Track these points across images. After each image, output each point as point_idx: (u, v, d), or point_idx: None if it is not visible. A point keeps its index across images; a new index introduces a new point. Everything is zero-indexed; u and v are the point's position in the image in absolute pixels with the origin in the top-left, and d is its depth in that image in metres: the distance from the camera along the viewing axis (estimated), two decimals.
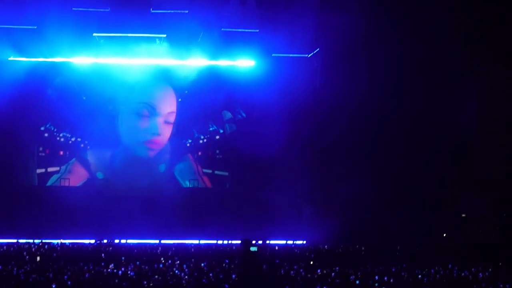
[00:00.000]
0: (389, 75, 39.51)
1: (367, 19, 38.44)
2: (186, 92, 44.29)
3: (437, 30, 39.12)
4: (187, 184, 44.29)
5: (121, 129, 44.26)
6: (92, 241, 37.19)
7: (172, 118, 44.25)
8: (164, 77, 44.24)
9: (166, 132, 44.29)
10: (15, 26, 40.40)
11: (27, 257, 30.81)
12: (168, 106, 44.42)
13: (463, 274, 25.99)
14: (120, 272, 25.51)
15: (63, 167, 43.53)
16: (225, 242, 39.61)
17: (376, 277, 24.29)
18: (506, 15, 37.78)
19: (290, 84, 42.68)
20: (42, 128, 43.28)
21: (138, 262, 28.91)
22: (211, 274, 25.18)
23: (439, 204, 40.15)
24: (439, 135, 40.70)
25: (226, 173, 44.77)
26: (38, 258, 29.37)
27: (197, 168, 44.55)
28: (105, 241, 36.58)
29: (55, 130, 43.32)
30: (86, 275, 24.30)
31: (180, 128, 44.36)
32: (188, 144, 44.40)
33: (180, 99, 44.35)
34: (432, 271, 26.91)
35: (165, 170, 44.43)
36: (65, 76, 43.31)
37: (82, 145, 43.70)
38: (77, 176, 43.68)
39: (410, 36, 39.34)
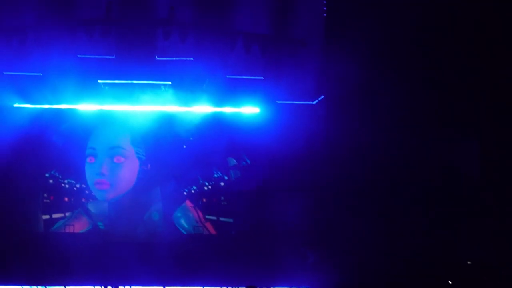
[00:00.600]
0: (394, 122, 39.59)
1: (371, 63, 38.60)
2: (191, 138, 44.29)
3: (442, 79, 39.23)
4: (189, 231, 44.05)
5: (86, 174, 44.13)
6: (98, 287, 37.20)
7: (120, 157, 43.76)
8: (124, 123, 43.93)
9: (116, 172, 43.71)
10: (20, 73, 40.61)
11: None
12: (111, 143, 44.14)
13: None
14: None
15: (68, 214, 43.45)
16: None
17: None
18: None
19: (294, 131, 42.63)
20: (47, 175, 43.16)
21: None
22: None
23: (443, 252, 39.90)
24: (443, 183, 40.57)
25: (231, 220, 44.54)
26: None
27: (198, 215, 44.36)
28: (109, 287, 36.54)
29: (60, 176, 43.18)
30: None
31: (176, 174, 43.97)
32: (185, 192, 43.95)
33: (184, 146, 44.24)
34: None
35: (160, 219, 43.98)
36: (70, 123, 43.29)
37: (87, 192, 43.58)
38: (81, 224, 43.39)
39: (414, 84, 39.44)
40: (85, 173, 43.65)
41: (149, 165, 44.17)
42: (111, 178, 43.86)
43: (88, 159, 43.76)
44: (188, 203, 44.56)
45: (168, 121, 43.71)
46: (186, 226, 44.12)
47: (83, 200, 43.57)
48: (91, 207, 43.78)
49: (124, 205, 43.83)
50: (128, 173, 44.27)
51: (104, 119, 44.04)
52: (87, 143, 43.97)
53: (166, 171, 44.10)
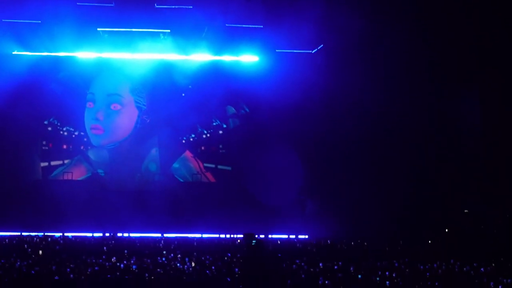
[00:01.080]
0: (392, 72, 39.52)
1: (371, 15, 38.36)
2: (190, 87, 44.34)
3: (442, 31, 39.08)
4: (188, 180, 44.40)
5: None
6: (96, 234, 37.45)
7: (117, 104, 44.56)
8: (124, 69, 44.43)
9: (112, 119, 44.54)
10: (20, 21, 40.52)
11: (29, 249, 30.87)
12: (110, 90, 44.87)
13: (465, 269, 26.01)
14: (122, 265, 25.58)
15: (67, 162, 43.78)
16: (228, 236, 39.71)
17: (379, 272, 24.35)
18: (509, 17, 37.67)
19: (293, 80, 42.60)
20: (46, 122, 43.46)
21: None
22: (213, 268, 25.25)
23: (442, 200, 40.14)
24: (443, 132, 40.71)
25: (229, 168, 44.84)
26: (40, 252, 29.38)
27: (198, 165, 44.59)
28: (107, 234, 36.75)
29: (59, 124, 43.55)
30: (89, 268, 24.37)
31: (174, 123, 44.12)
32: (184, 140, 44.60)
33: (183, 94, 44.41)
34: (435, 265, 26.93)
35: (158, 169, 44.67)
36: (68, 71, 43.51)
37: (85, 139, 43.99)
38: (80, 171, 43.85)
39: (414, 34, 39.29)
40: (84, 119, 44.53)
41: (148, 117, 44.72)
42: (106, 124, 44.39)
43: (87, 104, 44.24)
44: (187, 154, 44.96)
45: (167, 69, 43.78)
46: (185, 176, 44.36)
47: (82, 147, 43.93)
48: (91, 154, 44.30)
49: (122, 154, 44.33)
50: (124, 120, 44.69)
51: (104, 66, 44.37)
52: (88, 89, 44.43)
53: (165, 120, 44.47)
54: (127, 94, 44.39)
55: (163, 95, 44.41)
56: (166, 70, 43.81)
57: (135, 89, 44.42)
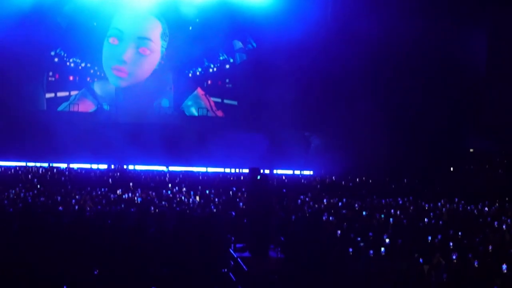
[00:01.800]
0: (399, 9, 39.12)
1: None
2: (197, 20, 43.90)
3: None
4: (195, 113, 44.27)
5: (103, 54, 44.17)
6: (101, 166, 37.56)
7: (146, 49, 43.98)
8: (155, 10, 43.79)
9: (138, 63, 44.06)
10: None
11: (35, 180, 30.97)
12: (141, 33, 44.23)
13: (468, 208, 26.09)
14: (127, 196, 25.68)
15: (72, 96, 43.62)
16: (233, 170, 39.80)
17: (384, 210, 24.42)
18: None
19: (301, 16, 42.18)
20: (52, 53, 43.14)
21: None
22: (217, 200, 25.34)
23: (447, 140, 40.07)
24: (449, 72, 40.44)
25: (235, 102, 44.64)
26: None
27: (209, 103, 44.43)
28: (112, 166, 36.83)
29: (65, 55, 43.19)
30: (93, 200, 24.47)
31: (186, 60, 43.88)
32: (190, 74, 44.33)
33: (190, 27, 44.00)
34: (439, 204, 27.01)
35: (171, 106, 44.53)
36: (76, 2, 43.03)
37: (91, 71, 43.73)
38: (86, 105, 43.71)
39: None
40: (99, 54, 43.64)
41: (164, 59, 44.40)
42: (131, 67, 43.92)
43: (110, 40, 43.70)
44: (199, 91, 44.81)
45: (175, 2, 43.37)
46: (195, 113, 44.14)
47: (88, 79, 43.67)
48: (97, 88, 44.09)
49: (134, 92, 44.11)
50: (149, 65, 44.28)
51: (129, 5, 43.78)
52: (111, 22, 43.76)
53: (177, 58, 44.11)
54: (157, 39, 44.10)
55: (173, 30, 44.02)
56: (174, 3, 43.29)
57: (164, 33, 44.01)
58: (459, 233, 19.48)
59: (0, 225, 18.37)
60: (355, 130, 39.83)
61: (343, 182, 34.66)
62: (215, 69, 44.32)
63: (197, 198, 26.09)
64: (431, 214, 24.03)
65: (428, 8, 39.48)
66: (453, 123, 40.09)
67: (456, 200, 28.16)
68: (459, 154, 40.14)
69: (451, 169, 39.35)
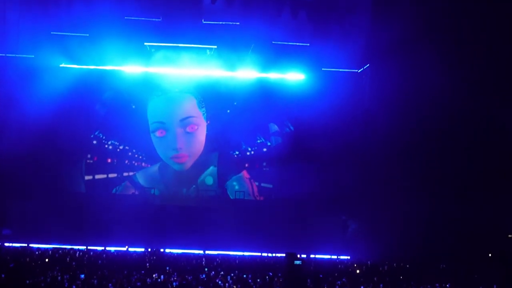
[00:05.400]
0: (438, 92, 39.08)
1: (418, 36, 38.15)
2: (235, 103, 44.28)
3: (487, 41, 38.60)
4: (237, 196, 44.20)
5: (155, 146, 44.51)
6: (138, 249, 37.53)
7: (193, 126, 44.27)
8: (185, 88, 44.31)
9: (191, 142, 44.36)
10: (68, 33, 41.09)
11: (73, 263, 30.96)
12: (182, 115, 44.46)
13: None
14: (163, 280, 25.55)
15: (114, 189, 43.87)
16: (270, 254, 39.56)
17: None
18: None
19: (338, 99, 42.45)
20: (92, 136, 43.68)
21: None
22: (254, 286, 25.12)
23: (486, 226, 39.54)
24: (491, 151, 40.08)
25: (271, 185, 44.62)
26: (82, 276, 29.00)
27: (252, 188, 44.42)
28: (149, 250, 36.79)
29: (104, 138, 43.69)
30: (130, 283, 24.36)
31: (229, 140, 44.27)
32: (235, 155, 44.36)
33: (228, 111, 44.35)
34: None
35: (215, 183, 44.45)
36: (115, 87, 43.57)
37: (135, 163, 44.29)
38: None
39: (462, 56, 38.86)
40: (138, 136, 43.94)
41: (208, 121, 44.65)
42: (188, 149, 44.27)
43: (157, 133, 44.15)
44: (245, 174, 44.83)
45: (213, 85, 43.80)
46: (237, 195, 44.04)
47: (126, 161, 43.92)
48: (140, 178, 44.24)
49: (181, 172, 44.40)
50: (200, 137, 44.51)
51: (158, 88, 44.16)
52: (146, 115, 44.21)
53: (220, 135, 44.42)
54: (197, 112, 44.44)
55: (213, 111, 44.45)
56: (212, 86, 43.83)
57: (200, 102, 44.40)
58: None
59: None
60: (393, 214, 39.52)
61: (380, 267, 34.28)
62: (252, 152, 44.43)
63: (234, 282, 25.90)
64: None
65: (469, 76, 39.33)
66: (493, 207, 39.59)
67: (495, 287, 27.69)
68: (498, 239, 39.59)
69: (490, 255, 38.78)
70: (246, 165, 44.40)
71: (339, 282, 27.48)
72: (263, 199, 44.31)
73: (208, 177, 44.42)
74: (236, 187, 44.24)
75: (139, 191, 43.53)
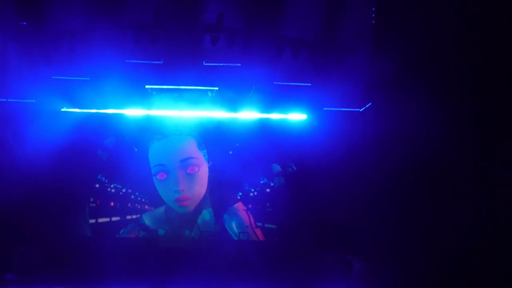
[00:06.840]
0: (444, 131, 38.98)
1: (419, 73, 38.10)
2: (237, 144, 44.33)
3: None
4: (237, 234, 43.96)
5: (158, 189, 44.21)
6: None
7: (193, 167, 43.95)
8: (184, 129, 44.19)
9: (193, 184, 43.92)
10: (69, 78, 41.15)
11: None
12: (182, 156, 44.20)
13: None
14: None
15: (121, 231, 43.49)
16: None
17: None
18: None
19: (341, 138, 42.39)
20: (94, 179, 43.45)
21: None
22: None
23: (493, 262, 39.27)
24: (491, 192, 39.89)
25: (274, 226, 44.45)
26: None
27: (249, 220, 44.28)
28: None
29: (106, 181, 43.65)
30: None
31: (228, 178, 43.85)
32: (238, 197, 44.25)
33: (231, 152, 44.38)
34: None
35: (212, 218, 44.04)
36: (117, 132, 43.57)
37: (138, 206, 43.85)
38: (133, 234, 43.62)
39: (465, 95, 38.78)
40: (141, 179, 43.67)
41: (210, 163, 44.51)
42: (190, 191, 43.88)
43: (158, 176, 43.88)
44: (239, 206, 44.56)
45: (214, 126, 43.84)
46: (235, 230, 43.99)
47: (129, 205, 43.73)
48: (146, 219, 43.92)
49: (186, 212, 44.23)
50: (202, 179, 44.21)
51: (159, 132, 44.16)
52: (148, 158, 43.98)
53: (221, 174, 44.15)
54: (197, 153, 44.21)
55: (215, 152, 44.45)
56: (213, 128, 43.87)
57: (200, 144, 44.26)
58: None
59: None
60: (400, 254, 39.28)
61: None
62: (255, 193, 44.33)
63: None
64: None
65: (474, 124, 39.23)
66: (500, 243, 39.32)
67: None
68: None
69: None
70: (250, 206, 44.33)
71: None
72: (268, 240, 44.17)
73: (205, 211, 44.22)
74: (234, 220, 43.91)
75: (145, 232, 43.41)
